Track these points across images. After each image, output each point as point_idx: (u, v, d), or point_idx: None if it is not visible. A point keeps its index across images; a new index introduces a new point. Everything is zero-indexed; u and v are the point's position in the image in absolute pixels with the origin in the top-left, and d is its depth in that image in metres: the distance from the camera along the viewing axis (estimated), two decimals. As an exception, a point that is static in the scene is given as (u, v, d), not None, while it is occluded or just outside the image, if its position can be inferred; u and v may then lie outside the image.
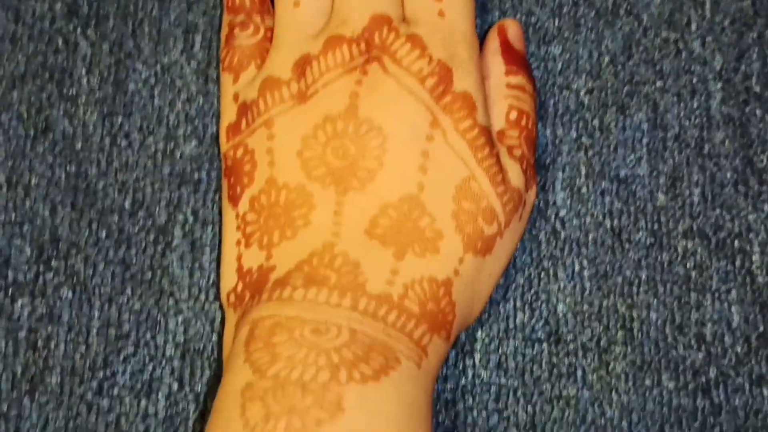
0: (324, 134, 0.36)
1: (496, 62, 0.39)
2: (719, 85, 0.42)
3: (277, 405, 0.30)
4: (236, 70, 0.39)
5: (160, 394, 0.38)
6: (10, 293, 0.39)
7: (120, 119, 0.41)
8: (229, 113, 0.39)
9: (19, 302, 0.39)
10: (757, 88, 0.42)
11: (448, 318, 0.35)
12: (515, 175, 0.37)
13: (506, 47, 0.39)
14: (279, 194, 0.36)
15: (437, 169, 0.36)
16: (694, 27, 0.42)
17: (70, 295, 0.39)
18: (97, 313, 0.39)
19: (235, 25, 0.39)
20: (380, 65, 0.36)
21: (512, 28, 0.40)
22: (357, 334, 0.32)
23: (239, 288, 0.36)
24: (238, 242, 0.37)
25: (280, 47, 0.38)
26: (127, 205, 0.40)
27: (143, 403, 0.38)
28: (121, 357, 0.39)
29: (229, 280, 0.37)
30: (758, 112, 0.41)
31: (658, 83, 0.42)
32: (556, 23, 0.42)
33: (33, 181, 0.40)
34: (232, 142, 0.38)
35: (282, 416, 0.30)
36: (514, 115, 0.38)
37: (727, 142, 0.41)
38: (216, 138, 0.41)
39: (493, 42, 0.39)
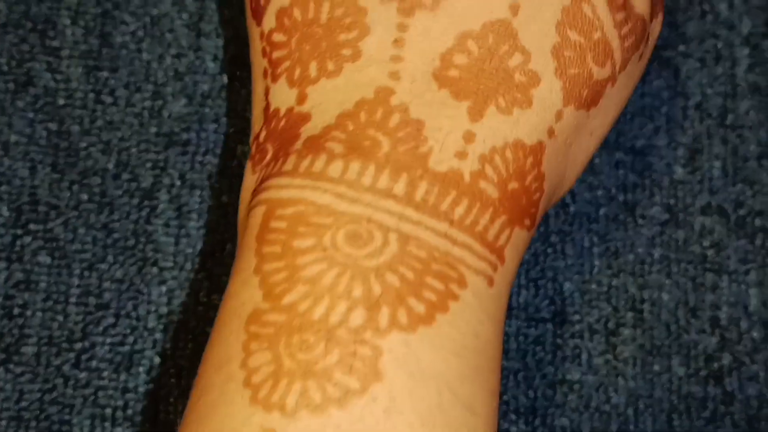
0: None
1: None
2: (746, 50, 0.41)
3: (290, 359, 0.24)
4: None
5: (140, 368, 0.38)
6: (-16, 257, 0.39)
7: (105, 74, 0.40)
8: None
9: (-5, 267, 0.39)
10: (787, 56, 0.41)
11: (533, 197, 0.27)
12: None
13: None
14: (320, 7, 0.27)
15: None
16: (720, -12, 0.42)
17: (48, 260, 0.38)
18: (76, 281, 0.38)
19: None
20: None
21: None
22: (409, 244, 0.25)
23: (262, 135, 0.28)
24: (265, 73, 0.29)
25: None
26: (110, 166, 0.39)
27: (123, 377, 0.38)
28: (101, 328, 0.38)
29: (256, 123, 0.29)
30: (787, 81, 0.41)
31: (681, 47, 0.41)
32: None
33: (12, 139, 0.39)
34: None
35: (295, 380, 0.24)
36: None
37: (752, 112, 0.40)
38: (207, 97, 0.40)
39: None
